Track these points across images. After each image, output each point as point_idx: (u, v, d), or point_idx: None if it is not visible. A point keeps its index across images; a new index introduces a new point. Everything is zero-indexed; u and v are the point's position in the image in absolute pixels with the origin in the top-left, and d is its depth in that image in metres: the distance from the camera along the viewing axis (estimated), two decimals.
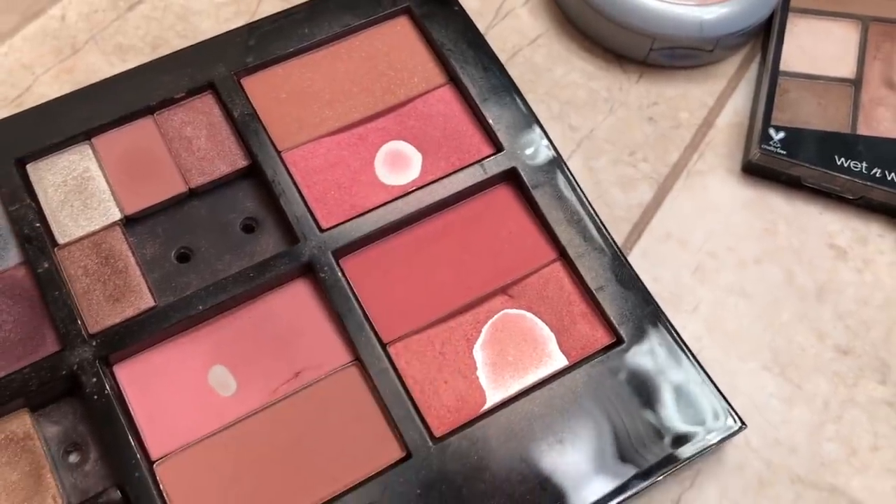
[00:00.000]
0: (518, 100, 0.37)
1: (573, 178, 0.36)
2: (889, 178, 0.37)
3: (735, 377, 0.35)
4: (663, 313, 0.34)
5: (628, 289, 0.34)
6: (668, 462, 0.31)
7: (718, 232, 0.38)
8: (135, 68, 0.37)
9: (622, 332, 0.33)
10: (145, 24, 0.41)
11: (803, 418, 0.34)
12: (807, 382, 0.35)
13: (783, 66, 0.40)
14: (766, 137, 0.38)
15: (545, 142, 0.37)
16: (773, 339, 0.36)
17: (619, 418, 0.32)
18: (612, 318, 0.34)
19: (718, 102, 0.41)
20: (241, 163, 0.36)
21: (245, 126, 0.36)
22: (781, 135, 0.38)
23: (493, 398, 0.32)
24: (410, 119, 0.38)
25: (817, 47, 0.41)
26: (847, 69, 0.40)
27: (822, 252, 0.38)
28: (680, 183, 0.39)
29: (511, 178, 0.36)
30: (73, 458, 0.31)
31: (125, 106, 0.36)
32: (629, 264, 0.34)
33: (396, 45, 0.39)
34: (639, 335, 0.33)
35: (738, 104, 0.41)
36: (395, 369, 0.32)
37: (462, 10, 0.39)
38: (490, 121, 0.37)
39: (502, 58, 0.40)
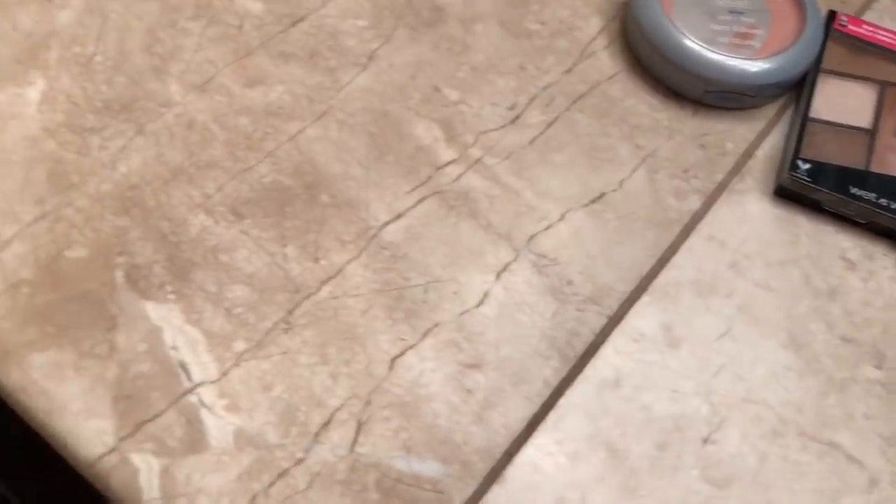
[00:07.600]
0: None
1: None
2: (893, 207, 0.46)
3: (757, 350, 0.43)
4: None
5: None
6: None
7: (752, 238, 0.46)
8: None
9: None
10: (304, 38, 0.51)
11: (811, 387, 0.43)
12: (815, 361, 0.43)
13: (812, 114, 0.49)
14: (794, 166, 0.47)
15: None
16: (791, 324, 0.44)
17: None
18: None
19: (758, 138, 0.50)
20: None
21: None
22: (808, 165, 0.47)
23: None
24: None
25: (842, 102, 0.50)
26: (865, 121, 0.49)
27: (834, 262, 0.46)
28: (723, 197, 0.48)
29: None
30: None
31: None
32: None
33: None
34: None
35: (775, 142, 0.50)
36: None
37: None
38: None
39: (582, 89, 0.50)
